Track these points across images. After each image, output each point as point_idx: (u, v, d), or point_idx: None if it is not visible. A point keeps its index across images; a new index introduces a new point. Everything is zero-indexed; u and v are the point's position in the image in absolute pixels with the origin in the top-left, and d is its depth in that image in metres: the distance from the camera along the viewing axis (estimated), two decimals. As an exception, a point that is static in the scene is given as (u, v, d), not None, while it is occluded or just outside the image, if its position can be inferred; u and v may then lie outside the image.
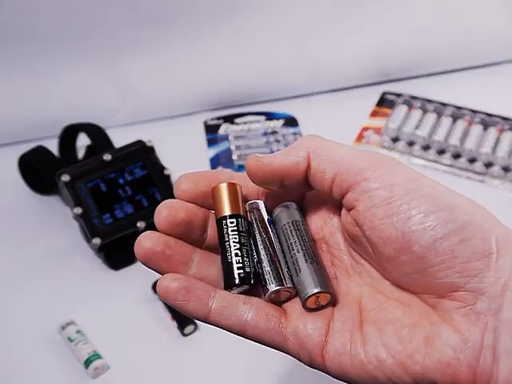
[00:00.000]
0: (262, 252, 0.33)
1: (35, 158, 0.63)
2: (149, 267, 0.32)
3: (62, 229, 0.62)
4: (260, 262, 0.33)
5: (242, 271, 0.32)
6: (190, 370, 0.52)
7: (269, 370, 0.51)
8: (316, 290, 0.31)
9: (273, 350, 0.49)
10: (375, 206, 0.30)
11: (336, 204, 0.33)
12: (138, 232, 0.58)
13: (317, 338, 0.31)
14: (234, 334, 0.32)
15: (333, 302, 0.32)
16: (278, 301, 0.33)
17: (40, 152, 0.63)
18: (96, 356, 0.52)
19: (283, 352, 0.32)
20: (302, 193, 0.35)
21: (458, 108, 0.70)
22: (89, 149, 0.65)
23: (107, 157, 0.59)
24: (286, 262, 0.33)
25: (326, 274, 0.33)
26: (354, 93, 0.75)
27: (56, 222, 0.63)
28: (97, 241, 0.57)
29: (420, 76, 0.76)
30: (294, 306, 0.32)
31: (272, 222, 0.34)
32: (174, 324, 0.54)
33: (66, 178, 0.57)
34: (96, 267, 0.59)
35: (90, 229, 0.57)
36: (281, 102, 0.75)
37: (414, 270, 0.30)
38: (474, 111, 0.70)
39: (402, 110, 0.71)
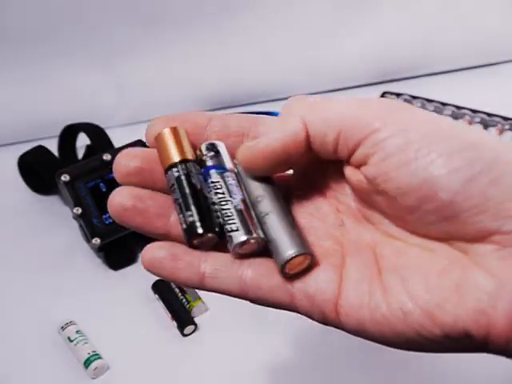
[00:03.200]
0: (227, 198, 0.29)
1: (35, 158, 0.63)
2: (124, 224, 0.30)
3: (62, 229, 0.62)
4: (220, 212, 0.29)
5: (185, 226, 0.29)
6: (189, 370, 0.52)
7: (269, 370, 0.51)
8: (286, 258, 0.28)
9: (273, 349, 0.49)
10: (389, 155, 0.27)
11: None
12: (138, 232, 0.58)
13: (329, 291, 0.28)
14: (236, 297, 0.29)
15: (344, 251, 0.29)
16: (247, 253, 0.29)
17: (40, 152, 0.63)
18: (96, 356, 0.52)
19: (291, 311, 0.29)
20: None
21: (458, 108, 0.70)
22: (89, 149, 0.65)
23: (107, 157, 0.59)
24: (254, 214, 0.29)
25: (298, 231, 0.29)
26: (354, 93, 0.75)
27: (56, 221, 0.63)
28: (97, 241, 0.57)
29: (420, 76, 0.76)
30: None
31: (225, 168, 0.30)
32: (174, 324, 0.54)
33: (65, 177, 0.57)
34: (96, 267, 0.59)
35: (89, 229, 0.57)
36: (281, 102, 0.74)
37: (441, 218, 0.26)
38: (474, 111, 0.70)
39: (402, 109, 0.70)
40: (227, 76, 0.73)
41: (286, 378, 0.51)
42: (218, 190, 0.30)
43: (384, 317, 0.27)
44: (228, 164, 0.30)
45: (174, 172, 0.29)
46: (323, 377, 0.51)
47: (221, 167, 0.30)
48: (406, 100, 0.72)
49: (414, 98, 0.72)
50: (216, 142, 0.31)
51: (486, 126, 0.68)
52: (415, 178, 0.26)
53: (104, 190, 0.59)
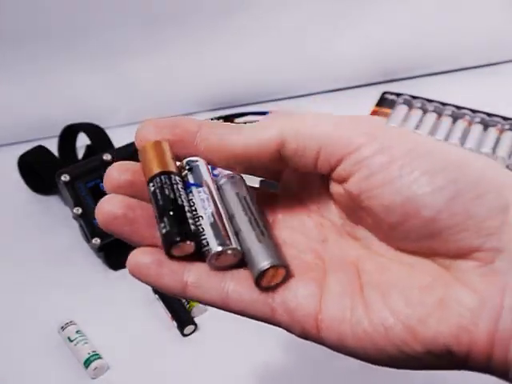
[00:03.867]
0: (201, 213, 0.29)
1: (35, 158, 0.63)
2: (112, 233, 0.30)
3: (62, 229, 0.62)
4: (198, 224, 0.29)
5: (162, 234, 0.29)
6: (189, 370, 0.52)
7: (269, 370, 0.51)
8: (261, 270, 0.28)
9: (273, 349, 0.49)
10: (373, 173, 0.27)
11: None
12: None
13: (310, 306, 0.28)
14: (219, 308, 0.29)
15: (326, 266, 0.29)
16: (225, 265, 0.29)
17: (40, 152, 0.63)
18: (96, 356, 0.52)
19: (273, 325, 0.29)
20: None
21: (458, 108, 0.70)
22: (89, 149, 0.65)
23: (107, 157, 0.59)
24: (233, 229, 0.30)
25: (274, 244, 0.29)
26: (354, 93, 0.75)
27: (56, 221, 0.63)
28: (97, 241, 0.57)
29: (420, 76, 0.76)
30: None
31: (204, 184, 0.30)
32: (174, 324, 0.54)
33: (65, 177, 0.57)
34: (96, 267, 0.59)
35: (89, 229, 0.57)
36: (281, 102, 0.75)
37: (424, 235, 0.26)
38: (474, 111, 0.70)
39: (401, 110, 0.71)
40: (227, 76, 0.73)
41: (286, 378, 0.51)
42: (195, 206, 0.30)
43: (366, 332, 0.27)
44: (206, 178, 0.31)
45: (151, 187, 0.30)
46: (323, 377, 0.51)
47: (199, 183, 0.30)
48: (405, 100, 0.72)
49: (414, 97, 0.72)
50: (198, 159, 0.31)
51: (486, 126, 0.68)
52: (399, 195, 0.26)
53: (104, 189, 0.58)
